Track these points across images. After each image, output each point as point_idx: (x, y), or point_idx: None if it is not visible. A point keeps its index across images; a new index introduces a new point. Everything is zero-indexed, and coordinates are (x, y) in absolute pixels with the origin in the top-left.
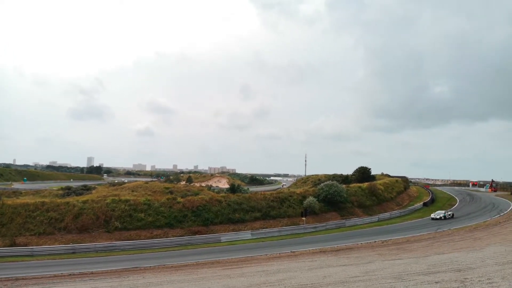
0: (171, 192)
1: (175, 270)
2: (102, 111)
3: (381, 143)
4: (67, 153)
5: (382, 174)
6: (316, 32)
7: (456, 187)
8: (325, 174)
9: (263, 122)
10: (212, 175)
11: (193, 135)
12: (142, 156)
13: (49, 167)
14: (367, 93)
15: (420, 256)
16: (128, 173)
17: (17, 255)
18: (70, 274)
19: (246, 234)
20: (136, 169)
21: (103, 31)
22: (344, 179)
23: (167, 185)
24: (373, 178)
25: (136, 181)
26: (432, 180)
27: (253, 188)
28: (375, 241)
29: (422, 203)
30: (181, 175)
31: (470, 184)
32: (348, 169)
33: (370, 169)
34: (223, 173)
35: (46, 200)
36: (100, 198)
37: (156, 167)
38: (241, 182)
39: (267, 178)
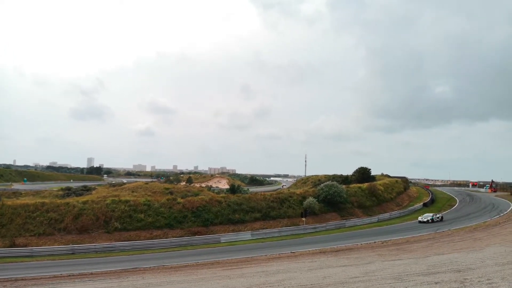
0: (171, 193)
1: (175, 270)
2: (102, 111)
3: (381, 143)
4: (67, 153)
5: (382, 174)
6: (316, 32)
7: (456, 188)
8: (325, 175)
9: (263, 122)
10: (212, 176)
11: (193, 135)
12: (142, 156)
13: (49, 167)
14: (367, 93)
15: (420, 257)
16: (128, 173)
17: (16, 256)
18: (69, 275)
19: (246, 235)
20: (136, 170)
21: (103, 31)
22: (344, 179)
23: (167, 185)
24: (373, 178)
25: (136, 181)
26: (432, 180)
27: (253, 189)
28: (375, 242)
29: (422, 203)
30: (181, 175)
31: (470, 184)
32: (348, 169)
33: (370, 169)
34: (223, 173)
35: (46, 200)
36: (100, 199)
37: (156, 167)
38: (241, 183)
39: (267, 178)
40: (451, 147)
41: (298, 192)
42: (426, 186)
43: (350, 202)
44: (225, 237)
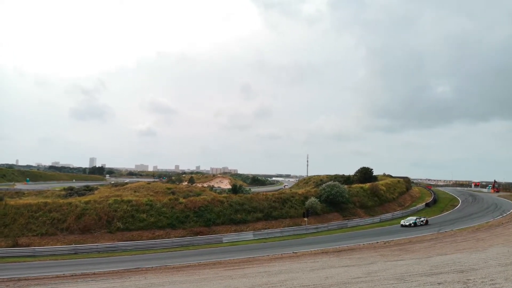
0: (173, 193)
1: (177, 270)
2: (103, 111)
3: (381, 143)
4: (69, 153)
5: (384, 174)
6: (316, 32)
7: (458, 188)
8: (327, 175)
9: (264, 122)
10: (214, 176)
11: (194, 135)
12: (144, 156)
13: (51, 167)
14: (367, 93)
15: (423, 257)
16: (130, 173)
17: (19, 255)
18: (72, 275)
19: (248, 235)
20: (138, 170)
21: (103, 31)
22: (346, 179)
23: (169, 185)
24: (375, 178)
25: (138, 181)
26: (434, 180)
27: (255, 189)
28: (377, 242)
29: (424, 203)
30: (183, 175)
31: (473, 184)
32: (348, 169)
33: (372, 169)
34: (225, 173)
35: (49, 200)
36: (102, 199)
37: (158, 167)
38: (243, 183)
39: (269, 178)
40: (452, 147)
41: (300, 192)
42: (428, 186)
43: (352, 202)
44: (227, 237)
